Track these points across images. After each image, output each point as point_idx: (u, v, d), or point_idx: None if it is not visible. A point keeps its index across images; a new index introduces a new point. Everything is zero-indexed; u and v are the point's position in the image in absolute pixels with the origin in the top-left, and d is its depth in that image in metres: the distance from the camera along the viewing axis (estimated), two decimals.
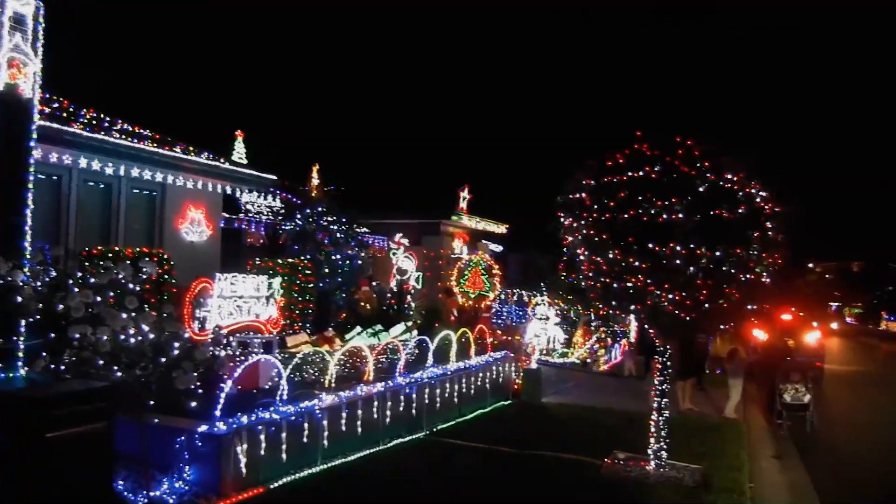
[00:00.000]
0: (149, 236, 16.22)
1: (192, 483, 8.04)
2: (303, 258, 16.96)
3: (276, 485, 8.60)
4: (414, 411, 11.88)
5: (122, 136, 14.59)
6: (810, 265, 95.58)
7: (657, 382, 10.23)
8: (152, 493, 7.67)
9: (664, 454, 10.13)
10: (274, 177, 18.92)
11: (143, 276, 8.99)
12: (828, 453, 12.92)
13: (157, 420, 7.89)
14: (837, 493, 10.17)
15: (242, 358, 10.28)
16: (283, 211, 24.50)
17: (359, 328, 15.07)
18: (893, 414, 17.58)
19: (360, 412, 10.47)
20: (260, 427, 8.59)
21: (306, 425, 9.39)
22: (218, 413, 8.30)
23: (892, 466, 12.13)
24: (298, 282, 15.34)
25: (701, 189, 9.02)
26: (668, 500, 8.85)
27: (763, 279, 9.58)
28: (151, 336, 7.86)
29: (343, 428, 10.11)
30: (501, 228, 35.43)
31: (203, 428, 8.15)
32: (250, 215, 24.96)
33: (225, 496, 7.94)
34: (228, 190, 17.96)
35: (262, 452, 8.59)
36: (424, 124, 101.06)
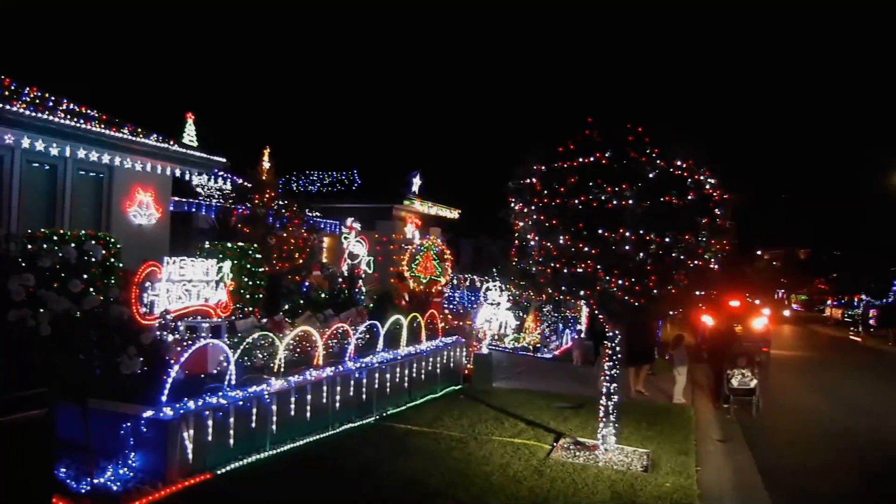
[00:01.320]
0: (96, 219, 15.90)
1: (138, 469, 7.95)
2: (253, 242, 16.78)
3: (223, 470, 8.55)
4: (364, 396, 11.88)
5: (68, 117, 14.23)
6: (759, 252, 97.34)
7: (606, 368, 10.35)
8: (96, 481, 7.55)
9: (613, 438, 10.28)
10: (224, 159, 18.65)
11: (89, 260, 8.82)
12: (772, 436, 13.21)
13: (101, 406, 7.77)
14: (780, 474, 10.41)
15: (190, 342, 10.16)
16: (233, 194, 24.20)
17: (309, 313, 14.99)
18: (835, 397, 18.06)
19: (309, 397, 10.44)
20: (207, 412, 8.52)
21: (255, 410, 9.33)
22: (164, 398, 8.22)
23: (833, 448, 12.46)
24: (248, 266, 15.17)
25: (651, 175, 9.12)
26: (616, 483, 8.97)
27: (711, 265, 9.73)
28: (97, 320, 7.73)
29: (292, 413, 10.08)
30: (454, 213, 35.46)
31: (149, 413, 8.05)
32: (200, 198, 24.62)
33: (171, 482, 7.86)
34: (178, 172, 17.67)
35: (210, 438, 8.52)
36: (376, 108, 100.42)
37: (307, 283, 18.20)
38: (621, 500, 8.35)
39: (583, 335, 21.28)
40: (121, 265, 11.60)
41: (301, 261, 18.68)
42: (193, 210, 23.33)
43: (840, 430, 13.89)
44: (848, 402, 17.61)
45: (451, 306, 22.97)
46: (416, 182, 32.30)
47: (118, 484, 7.68)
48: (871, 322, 45.10)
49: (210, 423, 8.53)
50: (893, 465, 11.64)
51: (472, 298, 24.46)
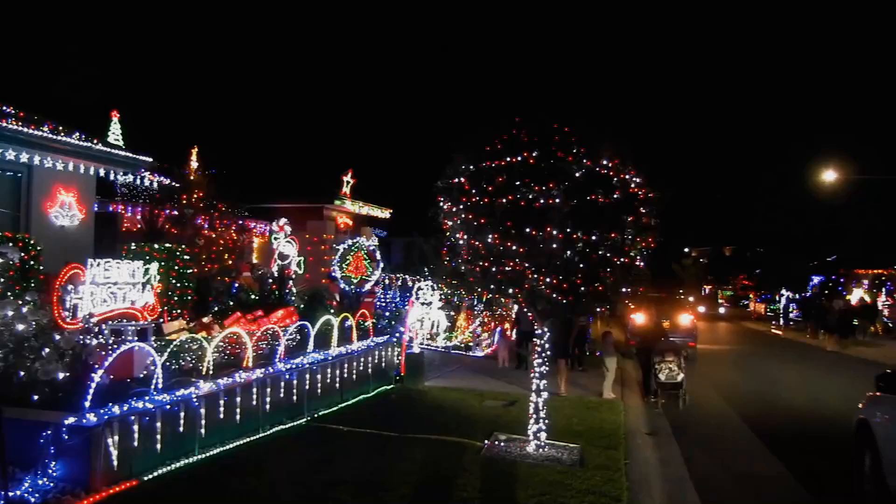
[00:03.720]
0: (13, 220, 15.38)
1: (59, 479, 7.72)
2: (181, 243, 16.50)
3: (150, 476, 8.38)
4: (295, 397, 11.79)
5: None
6: (686, 249, 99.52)
7: (536, 365, 10.46)
8: (11, 493, 7.29)
9: (543, 435, 10.38)
10: (151, 159, 18.25)
11: (6, 262, 8.54)
12: (698, 427, 13.58)
13: (21, 415, 7.54)
14: (705, 465, 10.71)
15: (115, 346, 9.93)
16: (160, 194, 23.72)
17: (238, 314, 14.79)
18: (757, 388, 18.64)
19: (238, 399, 10.32)
20: (133, 417, 8.34)
21: (182, 414, 9.18)
22: (87, 404, 7.99)
23: (751, 434, 12.86)
24: (176, 267, 14.90)
25: (577, 175, 9.25)
26: (547, 478, 9.07)
27: (637, 262, 9.93)
28: (13, 325, 7.50)
29: (221, 416, 9.95)
30: (385, 213, 35.40)
31: (71, 420, 7.82)
32: (126, 199, 24.05)
33: (94, 491, 7.66)
34: (102, 172, 17.20)
35: (136, 443, 8.34)
36: (306, 108, 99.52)
37: (237, 285, 17.98)
38: (552, 495, 8.44)
39: (508, 335, 21.34)
40: (41, 268, 11.29)
41: (230, 262, 18.45)
42: (119, 211, 22.78)
43: (758, 416, 14.47)
44: (767, 390, 18.35)
45: (383, 306, 22.91)
46: (348, 181, 32.14)
47: (36, 495, 7.43)
48: (792, 316, 46.61)
49: (136, 428, 8.36)
50: (804, 441, 12.23)
51: (405, 298, 24.44)
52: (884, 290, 44.48)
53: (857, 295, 44.15)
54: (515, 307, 19.20)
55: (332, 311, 16.32)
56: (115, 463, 8.02)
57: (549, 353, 10.55)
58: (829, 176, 32.90)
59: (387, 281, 24.58)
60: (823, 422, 13.89)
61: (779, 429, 13.31)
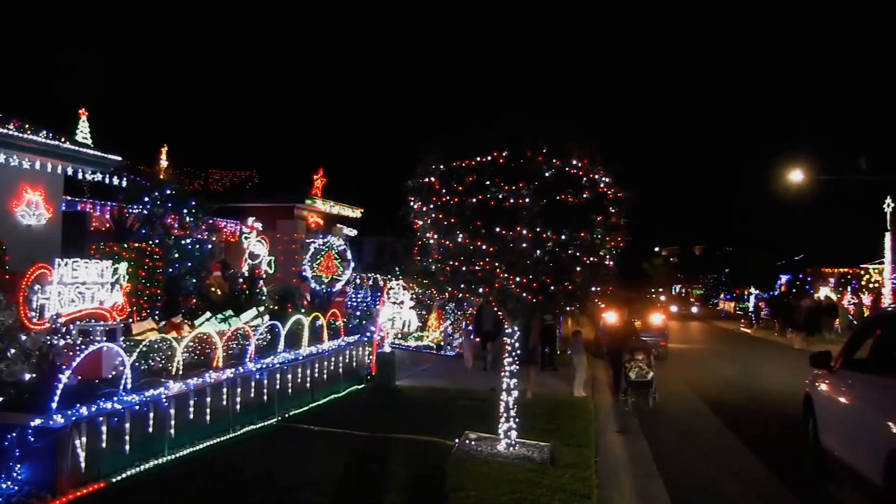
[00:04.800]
0: None
1: (24, 482, 7.62)
2: (150, 242, 16.36)
3: (119, 478, 8.32)
4: (265, 397, 11.76)
5: None
6: (656, 249, 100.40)
7: (506, 363, 10.51)
8: None
9: (514, 433, 10.42)
10: (120, 158, 18.07)
11: None
12: (667, 425, 13.76)
13: None
14: (675, 462, 10.83)
15: (83, 346, 9.83)
16: (130, 193, 23.47)
17: (209, 314, 14.72)
18: (726, 386, 18.89)
19: (208, 399, 10.28)
20: (101, 418, 8.27)
21: (152, 415, 9.12)
22: (54, 405, 7.91)
23: (723, 435, 13.01)
24: (146, 267, 14.78)
25: (547, 174, 9.29)
26: (518, 477, 9.10)
27: (606, 261, 10.00)
28: None
29: (191, 416, 9.90)
30: (356, 212, 35.27)
31: (37, 422, 7.71)
32: (94, 198, 23.76)
33: (61, 493, 7.58)
34: (70, 171, 17.00)
35: (104, 445, 8.28)
36: (277, 108, 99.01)
37: (207, 284, 17.86)
38: (523, 492, 8.48)
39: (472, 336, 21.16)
40: (7, 268, 11.16)
41: (200, 261, 18.29)
42: (88, 210, 22.51)
43: (727, 412, 14.72)
44: (735, 387, 18.63)
45: (354, 305, 22.87)
46: (319, 181, 32.00)
47: (1, 499, 7.37)
48: (760, 314, 47.17)
49: (104, 429, 8.29)
50: (768, 437, 12.45)
51: (376, 297, 24.41)
52: (849, 288, 45.19)
53: (823, 293, 44.78)
54: (478, 307, 18.77)
55: (302, 310, 16.29)
56: (83, 465, 7.96)
57: (516, 356, 10.58)
58: (796, 176, 33.38)
59: (358, 280, 24.55)
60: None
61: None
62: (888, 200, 29.88)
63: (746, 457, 11.24)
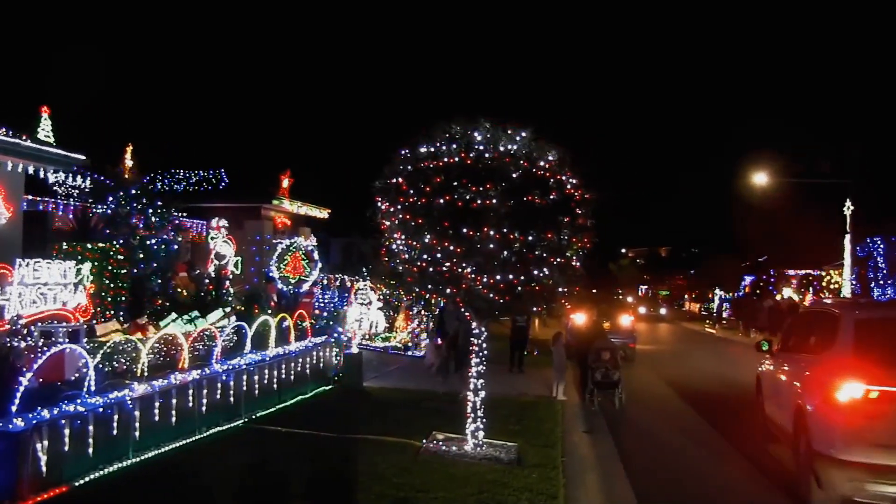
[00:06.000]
0: None
1: None
2: (115, 243, 16.19)
3: (81, 482, 8.20)
4: (232, 399, 11.67)
5: None
6: (623, 250, 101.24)
7: (473, 364, 10.53)
8: None
9: (481, 434, 10.45)
10: (83, 157, 17.84)
11: None
12: (633, 424, 13.94)
13: None
14: (639, 459, 10.99)
15: (45, 348, 9.71)
16: (94, 193, 23.18)
17: (174, 315, 14.60)
18: (690, 386, 19.13)
19: (174, 401, 10.16)
20: (63, 421, 8.15)
21: (116, 417, 9.00)
22: (15, 408, 7.79)
23: (688, 434, 13.19)
24: (110, 267, 14.64)
25: (514, 175, 9.34)
26: (485, 477, 9.12)
27: (573, 262, 10.07)
28: None
29: (156, 418, 9.77)
30: (324, 213, 35.15)
31: None
32: (57, 197, 23.43)
33: (21, 499, 7.42)
34: (31, 170, 16.76)
35: (66, 448, 8.14)
36: (244, 107, 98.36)
37: (173, 285, 17.72)
38: (490, 492, 8.51)
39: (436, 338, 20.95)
40: None
41: (166, 262, 18.14)
42: (50, 209, 22.19)
43: (690, 411, 15.25)
44: (699, 385, 19.00)
45: (322, 306, 22.82)
46: (286, 181, 31.84)
47: None
48: (725, 315, 47.76)
49: (67, 432, 8.16)
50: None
51: (343, 298, 24.38)
52: (810, 289, 45.93)
53: (786, 294, 45.46)
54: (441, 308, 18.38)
55: (269, 311, 16.21)
56: (44, 469, 7.82)
57: (486, 352, 10.61)
58: (760, 179, 33.87)
59: (325, 281, 24.48)
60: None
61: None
62: (848, 203, 30.37)
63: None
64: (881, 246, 33.47)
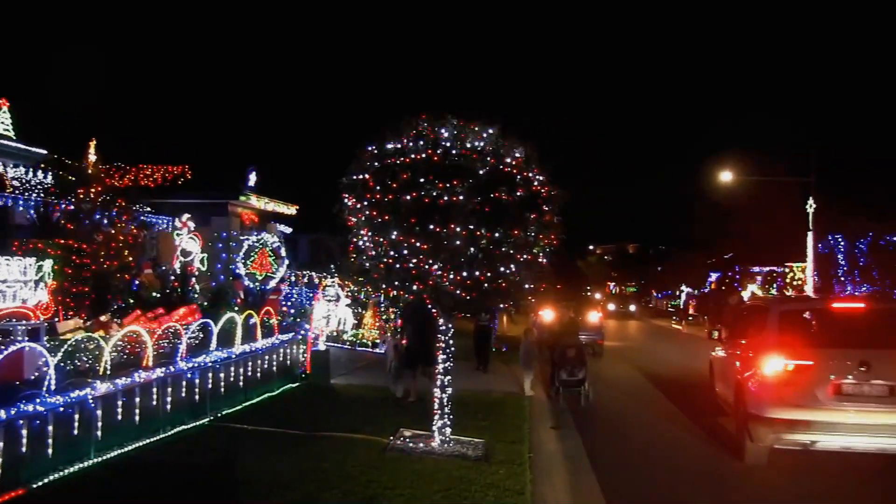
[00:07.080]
0: None
1: None
2: (78, 239, 15.93)
3: (40, 483, 8.04)
4: (197, 397, 11.53)
5: None
6: (591, 247, 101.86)
7: (440, 360, 10.50)
8: None
9: (448, 430, 10.43)
10: (45, 151, 17.60)
11: None
12: (600, 420, 14.04)
13: None
14: (607, 456, 11.02)
15: (3, 347, 9.51)
16: (56, 188, 22.81)
17: (139, 312, 14.41)
18: (653, 377, 19.40)
19: (138, 400, 10.01)
20: (21, 421, 7.97)
21: (77, 416, 8.84)
22: None
23: (653, 429, 13.36)
24: (72, 264, 14.41)
25: (481, 172, 9.32)
26: (452, 473, 9.11)
27: (540, 259, 10.08)
28: None
29: (119, 417, 9.63)
30: (291, 209, 34.93)
31: None
32: (17, 192, 23.03)
33: None
34: None
35: (24, 449, 7.97)
36: (211, 102, 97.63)
37: (138, 282, 17.49)
38: (457, 489, 8.49)
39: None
40: None
41: (131, 258, 17.90)
42: (10, 205, 21.81)
43: (655, 404, 15.67)
44: (664, 380, 19.29)
45: (289, 303, 22.65)
46: (253, 177, 31.60)
47: None
48: (691, 312, 48.23)
49: (25, 433, 8.00)
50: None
51: (311, 295, 24.22)
52: (774, 286, 46.55)
53: (750, 290, 46.01)
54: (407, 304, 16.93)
55: (236, 308, 16.06)
56: (1, 471, 7.66)
57: (452, 349, 10.58)
58: (726, 176, 34.26)
59: (292, 278, 24.32)
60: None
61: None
62: (810, 201, 30.81)
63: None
64: (842, 243, 34.08)
